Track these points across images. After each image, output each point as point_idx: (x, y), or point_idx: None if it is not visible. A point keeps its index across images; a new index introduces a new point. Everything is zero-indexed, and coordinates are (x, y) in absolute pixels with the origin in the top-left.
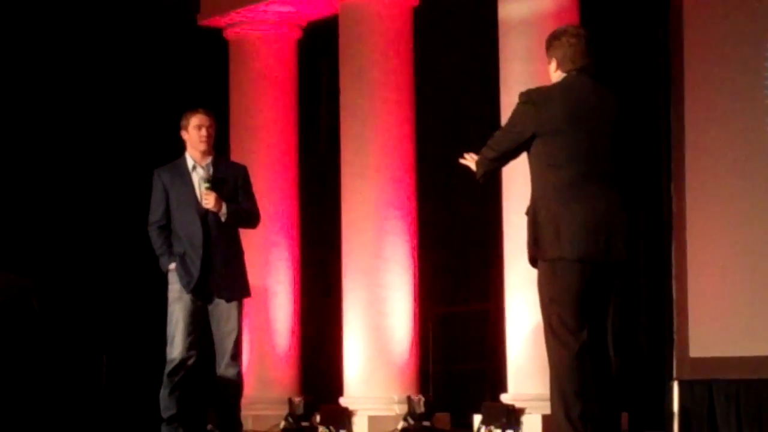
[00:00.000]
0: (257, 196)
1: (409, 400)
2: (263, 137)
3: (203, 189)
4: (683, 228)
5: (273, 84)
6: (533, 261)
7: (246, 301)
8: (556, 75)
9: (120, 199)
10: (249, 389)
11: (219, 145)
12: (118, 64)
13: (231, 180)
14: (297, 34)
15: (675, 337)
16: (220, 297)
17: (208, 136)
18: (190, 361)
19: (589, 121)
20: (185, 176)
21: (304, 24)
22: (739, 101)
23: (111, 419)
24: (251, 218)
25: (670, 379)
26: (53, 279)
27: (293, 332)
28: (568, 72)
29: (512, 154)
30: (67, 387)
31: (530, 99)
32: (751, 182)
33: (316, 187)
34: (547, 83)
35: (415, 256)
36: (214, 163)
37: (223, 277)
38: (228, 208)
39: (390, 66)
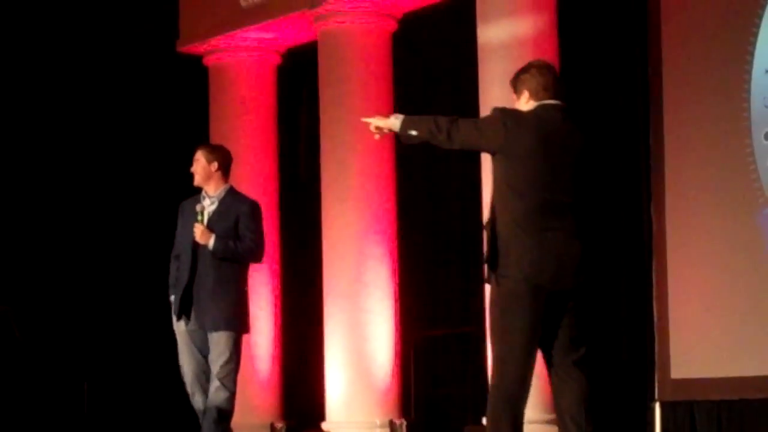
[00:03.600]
0: None
1: (391, 424)
2: (243, 163)
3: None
4: (664, 249)
5: (252, 110)
6: (488, 279)
7: None
8: (528, 106)
9: (100, 226)
10: None
11: None
12: (98, 91)
13: (231, 214)
14: (276, 60)
15: (656, 358)
16: (202, 327)
17: (194, 171)
18: (196, 398)
19: (553, 153)
20: (195, 208)
21: (283, 50)
22: (720, 122)
23: None
24: (245, 254)
25: (652, 400)
26: (33, 306)
27: (275, 357)
28: (540, 102)
29: (460, 149)
30: (48, 414)
31: (505, 119)
32: (731, 203)
33: (296, 211)
34: None
35: (396, 280)
36: (224, 196)
37: (208, 308)
38: (217, 241)
39: (370, 91)
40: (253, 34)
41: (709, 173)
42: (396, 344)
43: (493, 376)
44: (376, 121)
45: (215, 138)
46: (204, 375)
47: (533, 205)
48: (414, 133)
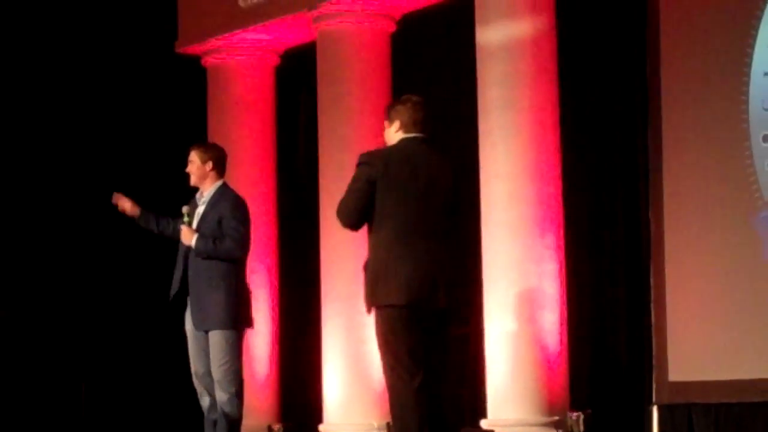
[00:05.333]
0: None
1: (388, 426)
2: (242, 164)
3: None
4: (662, 252)
5: (251, 111)
6: (369, 309)
7: None
8: (396, 136)
9: (98, 227)
10: None
11: None
12: (97, 92)
13: (216, 213)
14: (275, 61)
15: (654, 361)
16: (196, 327)
17: (190, 171)
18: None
19: (419, 181)
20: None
21: (281, 51)
22: (718, 125)
23: None
24: (225, 253)
25: (650, 403)
26: (31, 307)
27: (272, 359)
28: (407, 134)
29: (362, 210)
30: (45, 416)
31: (367, 160)
32: (729, 206)
33: (294, 212)
34: (525, 108)
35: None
36: (213, 195)
37: (200, 309)
38: (198, 241)
39: (368, 92)
40: (251, 35)
41: (707, 176)
42: None
43: (390, 396)
44: None
45: (213, 139)
46: (204, 377)
47: (402, 230)
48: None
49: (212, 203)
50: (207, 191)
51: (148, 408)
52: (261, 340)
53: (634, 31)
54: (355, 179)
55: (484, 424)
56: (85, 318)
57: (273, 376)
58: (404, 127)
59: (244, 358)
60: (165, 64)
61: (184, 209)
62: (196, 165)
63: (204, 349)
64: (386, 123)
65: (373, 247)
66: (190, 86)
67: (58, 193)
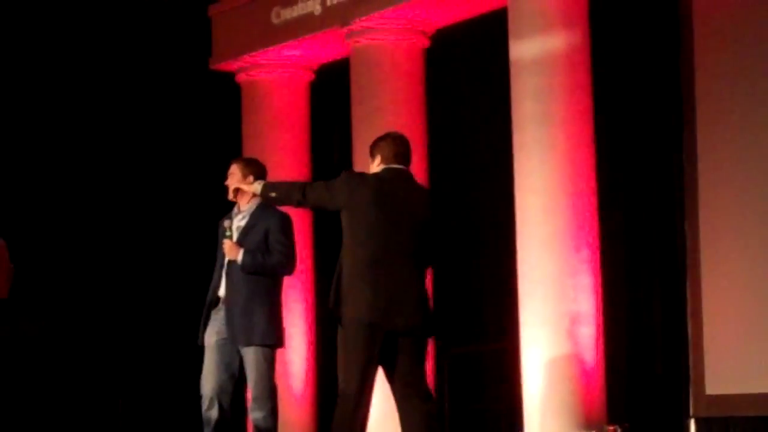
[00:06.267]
0: None
1: None
2: (276, 179)
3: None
4: (698, 264)
5: (285, 127)
6: (337, 320)
7: None
8: (377, 168)
9: (136, 242)
10: None
11: None
12: (133, 109)
13: (261, 228)
14: (308, 77)
15: (691, 374)
16: (233, 342)
17: (229, 185)
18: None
19: (393, 207)
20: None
21: (315, 67)
22: (754, 134)
23: None
24: (275, 267)
25: (687, 416)
26: (69, 322)
27: (309, 374)
28: (387, 166)
29: (312, 208)
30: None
31: (348, 180)
32: (766, 217)
33: (329, 227)
34: (560, 122)
35: (432, 296)
36: (254, 210)
37: (240, 323)
38: (245, 256)
39: (402, 107)
40: (285, 51)
41: (743, 187)
42: (431, 360)
43: (335, 405)
44: (239, 185)
45: (248, 155)
46: (222, 389)
47: (371, 252)
48: (273, 194)
49: (256, 217)
50: (246, 205)
51: (185, 422)
52: (297, 356)
53: (667, 44)
54: (331, 188)
55: None
56: (123, 332)
57: (309, 391)
58: (385, 161)
59: (281, 373)
60: (199, 80)
61: (226, 223)
62: (236, 178)
63: (227, 361)
64: (370, 160)
65: (344, 263)
66: (225, 103)
67: (100, 209)
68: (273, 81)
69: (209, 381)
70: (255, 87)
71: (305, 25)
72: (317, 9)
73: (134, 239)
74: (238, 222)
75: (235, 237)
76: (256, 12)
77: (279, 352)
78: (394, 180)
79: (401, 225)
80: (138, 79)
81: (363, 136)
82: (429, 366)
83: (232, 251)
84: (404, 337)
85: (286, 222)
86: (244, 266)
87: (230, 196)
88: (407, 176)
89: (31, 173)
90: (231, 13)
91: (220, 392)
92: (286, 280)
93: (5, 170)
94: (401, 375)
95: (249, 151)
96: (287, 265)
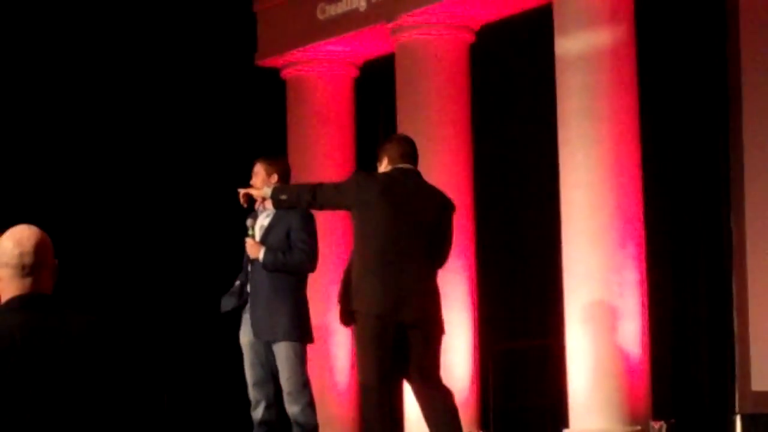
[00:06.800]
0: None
1: None
2: (321, 176)
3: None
4: (743, 260)
5: (330, 123)
6: (343, 320)
7: None
8: (386, 169)
9: (181, 238)
10: None
11: None
12: (179, 106)
13: (283, 226)
14: (353, 73)
15: (737, 370)
16: (258, 338)
17: (254, 184)
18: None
19: (401, 203)
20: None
21: (360, 63)
22: None
23: None
24: (296, 265)
25: (732, 412)
26: (116, 317)
27: (353, 370)
28: (395, 166)
29: (322, 209)
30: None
31: (357, 179)
32: None
33: None
34: (605, 118)
35: (475, 293)
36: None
37: (264, 320)
38: (267, 254)
39: (447, 103)
40: (330, 47)
41: None
42: (474, 357)
43: (359, 398)
44: (249, 191)
45: (293, 150)
46: (262, 387)
47: (380, 248)
48: (283, 197)
49: (278, 215)
50: (270, 204)
51: (230, 418)
52: (342, 351)
53: (714, 39)
54: (341, 187)
55: None
56: (170, 328)
57: (353, 386)
58: (392, 162)
59: (324, 367)
60: (245, 76)
61: (249, 222)
62: (261, 177)
63: (261, 359)
64: (378, 164)
65: (355, 258)
66: (270, 98)
67: (147, 206)
68: (318, 77)
69: (249, 381)
70: (300, 83)
71: (350, 20)
72: (362, 5)
73: (182, 235)
74: (262, 221)
75: (258, 235)
76: (301, 8)
77: (321, 347)
78: (402, 178)
79: (409, 221)
80: (184, 76)
81: (408, 131)
82: (474, 362)
83: (253, 250)
84: (413, 329)
85: (308, 220)
86: (265, 265)
87: (241, 201)
88: (415, 174)
89: (77, 170)
90: (276, 10)
91: (260, 391)
92: (329, 276)
93: (52, 167)
94: (415, 368)
95: (294, 146)
96: (308, 263)
